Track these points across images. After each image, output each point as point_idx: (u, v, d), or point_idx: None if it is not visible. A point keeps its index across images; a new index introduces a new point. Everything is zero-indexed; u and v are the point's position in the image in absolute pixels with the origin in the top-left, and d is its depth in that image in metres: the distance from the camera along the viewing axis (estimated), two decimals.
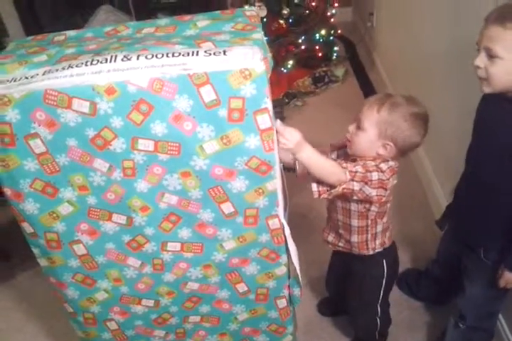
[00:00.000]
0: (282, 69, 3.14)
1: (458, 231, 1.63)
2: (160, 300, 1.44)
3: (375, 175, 1.35)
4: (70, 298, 1.44)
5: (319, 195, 1.36)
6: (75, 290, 1.42)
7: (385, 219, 1.51)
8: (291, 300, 1.48)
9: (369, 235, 1.52)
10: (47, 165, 1.15)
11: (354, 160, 1.41)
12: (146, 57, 1.04)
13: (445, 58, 2.03)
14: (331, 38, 3.26)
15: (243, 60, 1.01)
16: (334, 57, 3.36)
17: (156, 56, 1.04)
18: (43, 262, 1.37)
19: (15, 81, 1.07)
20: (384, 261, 1.59)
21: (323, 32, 3.13)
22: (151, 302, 1.44)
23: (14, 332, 2.05)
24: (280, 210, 1.25)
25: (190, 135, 1.09)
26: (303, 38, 3.07)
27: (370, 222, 1.49)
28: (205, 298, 1.44)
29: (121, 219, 1.25)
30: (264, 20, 2.95)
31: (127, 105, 1.05)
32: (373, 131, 1.37)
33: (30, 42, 1.28)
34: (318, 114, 3.17)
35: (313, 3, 3.03)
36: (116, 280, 1.38)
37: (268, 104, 1.06)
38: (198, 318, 1.48)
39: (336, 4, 3.19)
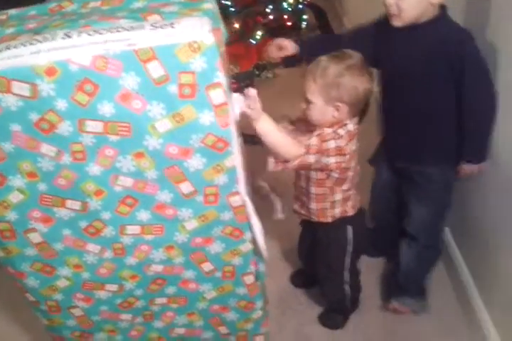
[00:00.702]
0: (251, 40, 3.06)
1: (396, 158, 1.71)
2: (124, 285, 1.40)
3: (331, 143, 1.37)
4: (30, 287, 1.39)
5: (274, 167, 1.36)
6: (35, 280, 1.37)
7: (345, 187, 1.51)
8: (258, 276, 1.47)
9: (327, 203, 1.54)
10: None
11: (311, 131, 1.41)
12: (88, 34, 0.98)
13: None
14: (300, 6, 3.18)
15: (191, 33, 0.96)
16: (304, 26, 3.29)
17: (99, 32, 0.98)
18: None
19: None
20: (348, 227, 1.60)
21: (291, 0, 3.05)
22: (114, 287, 1.41)
23: None
24: (241, 187, 1.23)
25: (140, 114, 1.04)
26: (271, 7, 2.98)
27: (328, 189, 1.50)
28: (171, 279, 1.41)
29: (76, 205, 1.20)
30: None
31: (70, 85, 0.99)
32: (319, 100, 1.38)
33: None
34: (289, 86, 3.11)
35: None
36: (76, 266, 1.34)
37: (221, 78, 1.01)
38: (164, 300, 1.46)
39: None
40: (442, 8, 1.43)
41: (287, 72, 3.28)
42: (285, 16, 3.10)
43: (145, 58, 0.97)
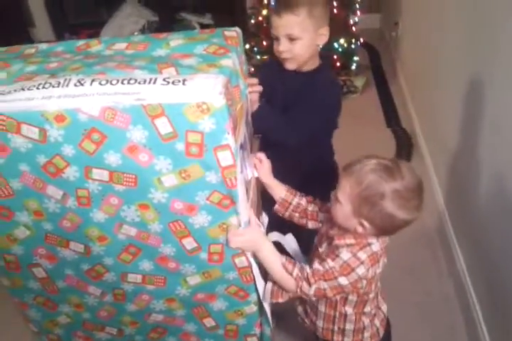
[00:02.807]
0: None
1: None
2: (123, 329, 1.37)
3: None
4: (33, 318, 1.40)
5: (274, 297, 1.23)
6: (37, 312, 1.38)
7: (366, 309, 1.27)
8: (262, 339, 1.39)
9: (335, 327, 1.29)
10: (0, 189, 1.09)
11: (332, 239, 1.21)
12: (100, 83, 0.95)
13: (464, 74, 1.90)
14: (352, 46, 3.12)
15: (201, 93, 0.91)
16: (354, 67, 3.21)
17: (111, 82, 0.95)
18: (5, 282, 1.32)
19: None
20: None
21: (342, 41, 2.99)
22: (114, 330, 1.38)
23: None
24: None
25: (146, 166, 1.01)
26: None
27: (337, 313, 1.26)
28: (171, 329, 1.36)
29: (79, 248, 1.18)
30: None
31: (78, 133, 0.97)
32: (347, 205, 1.13)
33: (1, 53, 1.22)
34: None
35: (334, 11, 2.90)
36: (77, 306, 1.33)
37: (229, 140, 0.96)
38: None
39: (359, 13, 3.06)
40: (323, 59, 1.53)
41: None
42: (335, 56, 3.04)
43: (153, 114, 0.93)
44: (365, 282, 1.16)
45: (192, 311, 1.30)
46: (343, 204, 1.14)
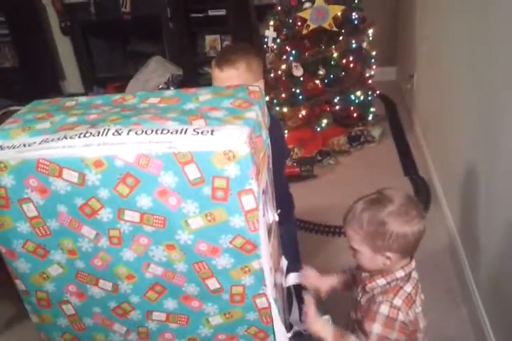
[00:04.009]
0: (316, 127, 3.14)
1: None
2: None
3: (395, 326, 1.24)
4: None
5: None
6: None
7: None
8: None
9: None
10: (38, 229, 1.17)
11: (364, 286, 1.32)
12: (135, 133, 1.05)
13: (480, 127, 1.98)
14: (369, 98, 3.24)
15: (228, 142, 1.01)
16: (370, 118, 3.33)
17: (146, 132, 1.05)
18: (34, 319, 1.38)
19: (13, 148, 1.11)
20: None
21: (358, 93, 3.12)
22: None
23: None
24: (269, 289, 1.22)
25: (175, 210, 1.09)
26: (338, 98, 3.07)
27: None
28: None
29: (107, 286, 1.24)
30: (301, 79, 2.98)
31: (114, 178, 1.07)
32: (365, 249, 1.25)
33: (44, 105, 1.33)
34: (350, 174, 3.13)
35: (351, 65, 3.04)
36: None
37: (253, 185, 1.04)
38: None
39: (375, 66, 3.20)
40: None
41: (350, 160, 3.29)
42: (351, 108, 3.16)
43: (183, 161, 1.02)
44: (410, 325, 1.25)
45: None
46: (361, 250, 1.26)
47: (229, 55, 1.68)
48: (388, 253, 1.23)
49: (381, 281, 1.28)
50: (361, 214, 1.24)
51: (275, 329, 1.26)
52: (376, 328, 1.24)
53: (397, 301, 1.24)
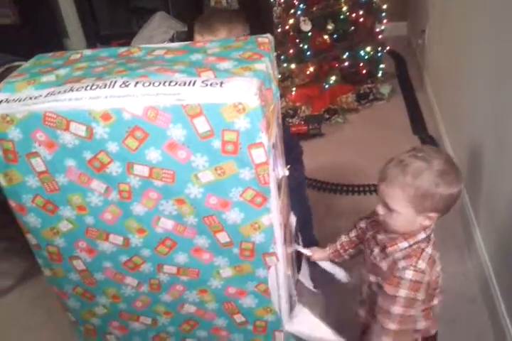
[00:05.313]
0: (325, 84, 3.09)
1: None
2: (158, 319, 1.43)
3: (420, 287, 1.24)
4: (71, 308, 1.46)
5: None
6: (75, 302, 1.44)
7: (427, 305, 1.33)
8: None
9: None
10: (47, 184, 1.17)
11: (384, 246, 1.29)
12: (143, 85, 1.03)
13: (492, 82, 1.93)
14: (379, 54, 3.17)
15: (238, 94, 0.98)
16: (379, 74, 3.26)
17: (153, 84, 1.03)
18: (46, 272, 1.39)
19: (19, 101, 1.09)
20: None
21: (368, 49, 3.05)
22: (148, 320, 1.44)
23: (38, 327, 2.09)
24: (279, 248, 1.22)
25: (184, 163, 1.08)
26: (347, 54, 3.00)
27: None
28: (203, 323, 1.42)
29: (118, 240, 1.25)
30: (309, 34, 2.92)
31: (122, 131, 1.05)
32: (408, 210, 1.18)
33: (48, 58, 1.30)
34: (358, 133, 3.09)
35: (361, 20, 2.96)
36: (114, 297, 1.39)
37: (263, 138, 1.03)
38: None
39: (385, 21, 3.11)
40: None
41: (358, 118, 3.24)
42: (361, 64, 3.09)
43: (192, 113, 1.00)
44: (433, 284, 1.28)
45: (223, 306, 1.36)
46: (401, 211, 1.19)
47: (211, 21, 1.67)
48: (431, 214, 1.19)
49: (403, 244, 1.25)
50: (414, 171, 1.15)
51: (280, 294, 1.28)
52: (403, 292, 1.22)
53: (421, 264, 1.22)
